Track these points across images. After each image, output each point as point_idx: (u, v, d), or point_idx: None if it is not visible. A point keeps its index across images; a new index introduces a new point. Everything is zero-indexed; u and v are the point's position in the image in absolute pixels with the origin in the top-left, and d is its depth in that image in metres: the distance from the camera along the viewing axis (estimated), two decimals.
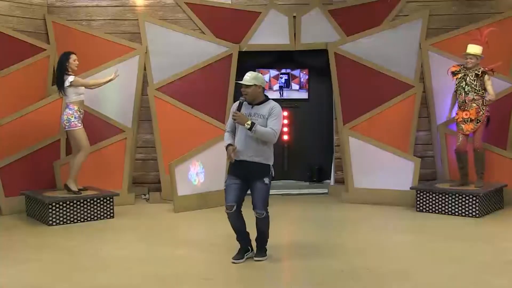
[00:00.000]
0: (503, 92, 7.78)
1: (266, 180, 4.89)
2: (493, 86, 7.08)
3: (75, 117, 6.84)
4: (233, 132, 5.03)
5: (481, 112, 7.04)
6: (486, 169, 7.26)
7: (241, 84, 4.91)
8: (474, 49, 7.07)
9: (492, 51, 7.37)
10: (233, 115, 4.86)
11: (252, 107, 4.91)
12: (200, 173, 7.51)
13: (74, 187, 6.90)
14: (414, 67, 8.29)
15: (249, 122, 4.77)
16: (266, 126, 4.84)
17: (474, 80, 7.03)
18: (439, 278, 4.46)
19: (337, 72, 8.30)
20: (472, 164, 7.20)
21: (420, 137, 8.35)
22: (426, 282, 4.36)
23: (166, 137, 8.12)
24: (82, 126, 6.90)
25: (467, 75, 7.08)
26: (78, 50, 7.38)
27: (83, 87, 7.00)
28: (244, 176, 4.91)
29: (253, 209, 4.94)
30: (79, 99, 6.92)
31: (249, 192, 4.99)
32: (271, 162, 4.96)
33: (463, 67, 7.21)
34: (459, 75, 7.16)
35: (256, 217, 4.95)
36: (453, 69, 7.29)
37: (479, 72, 7.04)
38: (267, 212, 4.96)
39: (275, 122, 4.87)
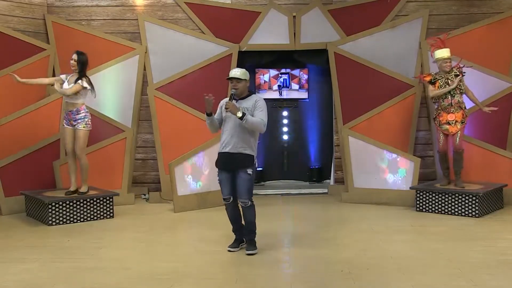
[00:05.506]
0: (503, 92, 7.80)
1: (249, 171, 5.11)
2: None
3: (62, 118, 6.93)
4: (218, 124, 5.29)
5: (465, 114, 7.10)
6: (486, 169, 7.27)
7: (233, 78, 5.10)
8: (447, 52, 7.09)
9: (492, 51, 7.36)
10: (225, 105, 5.03)
11: (236, 101, 5.13)
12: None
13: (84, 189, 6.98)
14: (414, 67, 8.30)
15: (240, 111, 4.96)
16: None
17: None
18: (438, 278, 4.46)
19: (337, 72, 8.31)
20: (451, 165, 7.24)
21: (420, 137, 8.36)
22: (426, 282, 4.36)
23: (166, 137, 8.12)
24: (64, 126, 6.86)
25: (448, 79, 7.08)
26: (78, 50, 7.35)
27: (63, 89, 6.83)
28: (229, 167, 5.15)
29: (238, 198, 5.18)
30: (64, 101, 6.95)
31: None
32: (254, 154, 5.17)
33: (435, 73, 7.22)
34: (440, 82, 7.11)
35: (241, 206, 5.20)
36: (428, 78, 7.23)
37: (457, 72, 7.08)
38: (252, 202, 5.20)
39: (262, 113, 5.11)
